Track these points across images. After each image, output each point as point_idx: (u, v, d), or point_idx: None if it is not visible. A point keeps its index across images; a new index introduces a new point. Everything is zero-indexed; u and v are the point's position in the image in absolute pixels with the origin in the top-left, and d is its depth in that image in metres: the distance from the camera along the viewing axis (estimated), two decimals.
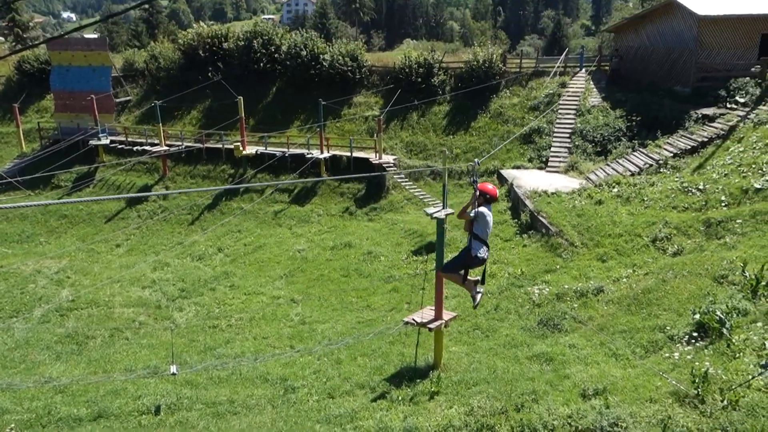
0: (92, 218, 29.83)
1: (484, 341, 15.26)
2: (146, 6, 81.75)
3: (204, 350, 17.19)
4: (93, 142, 34.13)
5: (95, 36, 43.36)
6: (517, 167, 27.14)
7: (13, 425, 13.23)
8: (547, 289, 16.82)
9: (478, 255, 9.40)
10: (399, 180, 27.76)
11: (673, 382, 10.39)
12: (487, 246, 9.63)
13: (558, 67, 33.49)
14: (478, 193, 9.24)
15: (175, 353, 15.92)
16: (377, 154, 29.14)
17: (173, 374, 14.78)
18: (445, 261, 10.40)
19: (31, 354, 17.55)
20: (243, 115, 31.44)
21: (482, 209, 9.36)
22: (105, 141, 34.20)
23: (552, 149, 27.54)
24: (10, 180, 31.57)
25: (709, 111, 25.25)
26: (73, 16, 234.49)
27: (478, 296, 10.00)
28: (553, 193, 22.20)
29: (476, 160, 10.67)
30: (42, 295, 21.60)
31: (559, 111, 29.59)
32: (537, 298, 16.57)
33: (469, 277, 9.91)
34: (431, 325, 14.01)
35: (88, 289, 21.80)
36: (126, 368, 16.33)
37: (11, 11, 66.07)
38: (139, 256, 25.67)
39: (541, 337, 14.68)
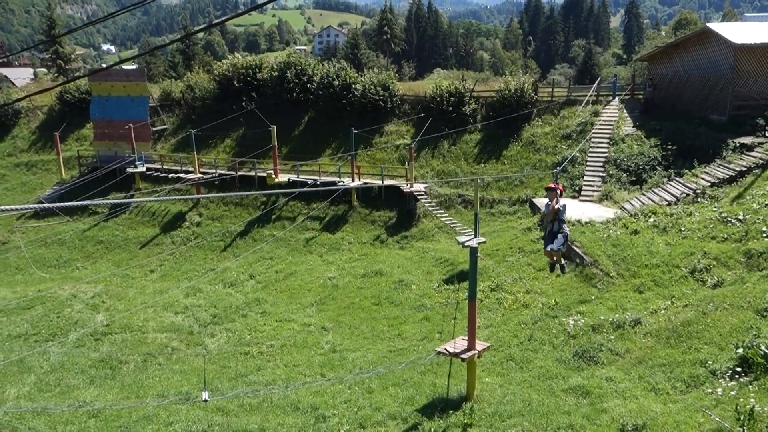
0: (127, 244, 30.43)
1: (518, 372, 14.98)
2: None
3: (235, 377, 17.20)
4: (130, 170, 34.99)
5: (134, 67, 44.75)
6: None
7: None
8: (582, 320, 16.48)
9: (568, 232, 12.79)
10: (430, 208, 27.74)
11: (717, 419, 10.03)
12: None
13: (590, 95, 33.34)
14: (559, 191, 12.48)
15: (206, 380, 15.96)
16: (408, 182, 29.22)
17: (205, 401, 14.76)
18: (546, 244, 13.26)
19: (66, 378, 17.78)
20: (276, 143, 31.93)
21: (563, 201, 12.78)
22: (141, 168, 35.03)
23: (585, 178, 27.24)
24: (50, 206, 32.44)
25: (746, 140, 24.77)
26: (112, 48, 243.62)
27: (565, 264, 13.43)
28: (587, 223, 21.90)
29: (558, 167, 13.94)
30: (77, 320, 21.97)
31: (592, 140, 29.33)
32: (572, 329, 16.24)
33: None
34: (464, 356, 13.83)
35: (123, 314, 22.11)
36: (158, 394, 16.41)
37: (55, 44, 68.78)
38: (173, 281, 26.00)
39: (577, 370, 14.35)
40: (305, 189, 23.14)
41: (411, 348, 17.67)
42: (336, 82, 35.80)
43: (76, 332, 20.77)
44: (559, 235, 12.68)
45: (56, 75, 67.47)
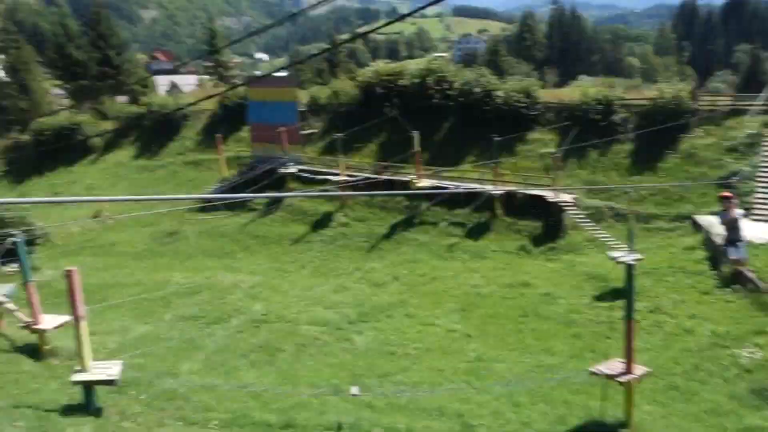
0: (281, 240, 32.43)
1: (683, 404, 14.00)
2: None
3: (382, 375, 17.67)
4: (282, 170, 37.24)
5: (286, 74, 47.51)
6: (714, 214, 24.88)
7: (216, 422, 14.61)
8: (760, 354, 15.04)
9: (746, 240, 13.90)
10: (579, 220, 26.77)
11: None
12: None
13: (761, 104, 30.47)
14: (737, 201, 12.87)
15: (354, 375, 16.57)
16: (555, 192, 28.41)
17: (354, 395, 15.32)
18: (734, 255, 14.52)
19: (230, 359, 19.30)
20: (418, 149, 32.46)
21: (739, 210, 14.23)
22: (293, 170, 37.18)
23: (758, 195, 24.81)
24: (211, 197, 35.57)
25: None
26: (265, 56, 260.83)
27: None
28: (761, 245, 19.90)
29: (734, 177, 14.51)
30: (238, 307, 23.76)
31: (764, 153, 26.74)
32: (747, 363, 14.87)
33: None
34: (621, 379, 13.20)
35: (277, 304, 23.59)
36: (310, 383, 17.29)
37: (215, 53, 75.47)
38: (322, 278, 27.29)
39: (754, 408, 13.14)
40: (452, 191, 23.48)
41: (560, 365, 17.14)
42: (477, 89, 35.70)
43: (237, 318, 22.49)
44: (739, 243, 13.63)
45: (217, 81, 73.89)
